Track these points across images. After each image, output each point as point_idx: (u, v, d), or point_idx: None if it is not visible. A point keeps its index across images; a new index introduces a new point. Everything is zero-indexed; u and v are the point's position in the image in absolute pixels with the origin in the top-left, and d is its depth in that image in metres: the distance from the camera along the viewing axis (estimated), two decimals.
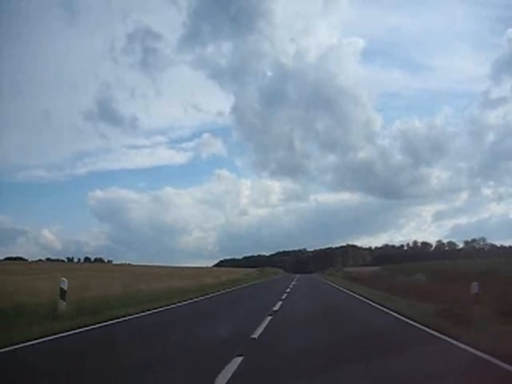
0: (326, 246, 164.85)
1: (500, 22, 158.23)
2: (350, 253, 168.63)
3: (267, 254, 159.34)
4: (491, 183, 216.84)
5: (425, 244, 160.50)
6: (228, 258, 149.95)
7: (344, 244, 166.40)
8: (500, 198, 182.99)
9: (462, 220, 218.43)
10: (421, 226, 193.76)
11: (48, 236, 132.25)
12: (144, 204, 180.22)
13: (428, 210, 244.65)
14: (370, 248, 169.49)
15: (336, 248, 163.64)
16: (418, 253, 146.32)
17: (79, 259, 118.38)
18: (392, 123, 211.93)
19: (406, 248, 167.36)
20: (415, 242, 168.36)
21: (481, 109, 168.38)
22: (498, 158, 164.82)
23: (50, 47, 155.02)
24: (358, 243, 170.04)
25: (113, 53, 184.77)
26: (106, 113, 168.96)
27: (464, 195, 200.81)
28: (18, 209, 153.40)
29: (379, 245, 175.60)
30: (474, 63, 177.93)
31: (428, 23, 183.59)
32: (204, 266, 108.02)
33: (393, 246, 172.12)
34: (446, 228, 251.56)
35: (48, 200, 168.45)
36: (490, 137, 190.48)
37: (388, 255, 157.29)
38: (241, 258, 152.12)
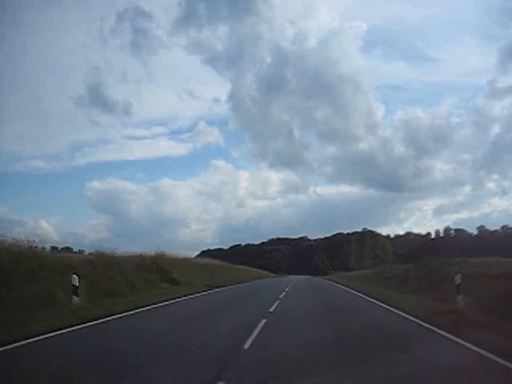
0: (336, 232, 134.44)
1: (506, 12, 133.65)
2: (367, 240, 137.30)
3: (256, 243, 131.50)
4: (495, 176, 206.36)
5: (460, 231, 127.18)
6: (212, 248, 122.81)
7: (359, 229, 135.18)
8: (504, 192, 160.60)
9: (467, 213, 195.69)
10: (421, 220, 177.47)
11: (45, 227, 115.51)
12: (142, 195, 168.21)
13: (429, 204, 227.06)
14: (388, 236, 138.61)
15: (348, 234, 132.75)
16: (450, 243, 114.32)
17: (43, 248, 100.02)
18: (394, 114, 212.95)
19: (433, 236, 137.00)
20: (447, 229, 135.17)
21: (486, 99, 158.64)
22: (503, 149, 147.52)
23: (37, 29, 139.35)
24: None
25: (103, 36, 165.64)
26: (104, 102, 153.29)
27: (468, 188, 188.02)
28: (16, 199, 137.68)
29: (401, 232, 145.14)
30: (480, 55, 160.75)
31: (432, 13, 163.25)
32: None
33: (417, 234, 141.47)
34: (450, 221, 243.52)
35: (46, 191, 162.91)
36: (496, 128, 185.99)
37: (414, 245, 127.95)
38: (227, 247, 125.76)
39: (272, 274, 67.59)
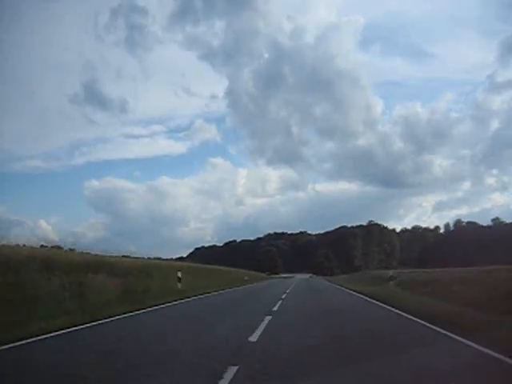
0: (339, 225, 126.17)
1: (505, 6, 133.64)
2: (374, 233, 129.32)
3: (252, 238, 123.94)
4: (495, 171, 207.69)
5: (472, 224, 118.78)
6: (206, 245, 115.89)
7: (364, 223, 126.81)
8: (504, 187, 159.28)
9: (468, 209, 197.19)
10: (421, 216, 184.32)
11: (44, 226, 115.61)
12: (140, 194, 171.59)
13: (429, 200, 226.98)
14: (394, 230, 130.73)
15: (353, 227, 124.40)
16: (462, 237, 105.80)
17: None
18: (393, 109, 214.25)
19: (442, 230, 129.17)
20: (458, 222, 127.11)
21: (485, 94, 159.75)
22: (502, 144, 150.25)
23: (32, 26, 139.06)
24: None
25: (98, 33, 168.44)
26: (101, 100, 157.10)
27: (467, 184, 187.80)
28: (14, 199, 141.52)
29: (408, 226, 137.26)
30: (479, 50, 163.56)
31: (431, 8, 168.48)
32: (178, 256, 75.74)
33: (425, 229, 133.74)
34: (448, 217, 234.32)
35: (45, 190, 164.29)
36: (495, 122, 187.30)
37: (424, 240, 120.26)
38: (221, 244, 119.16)
39: (246, 277, 43.27)
